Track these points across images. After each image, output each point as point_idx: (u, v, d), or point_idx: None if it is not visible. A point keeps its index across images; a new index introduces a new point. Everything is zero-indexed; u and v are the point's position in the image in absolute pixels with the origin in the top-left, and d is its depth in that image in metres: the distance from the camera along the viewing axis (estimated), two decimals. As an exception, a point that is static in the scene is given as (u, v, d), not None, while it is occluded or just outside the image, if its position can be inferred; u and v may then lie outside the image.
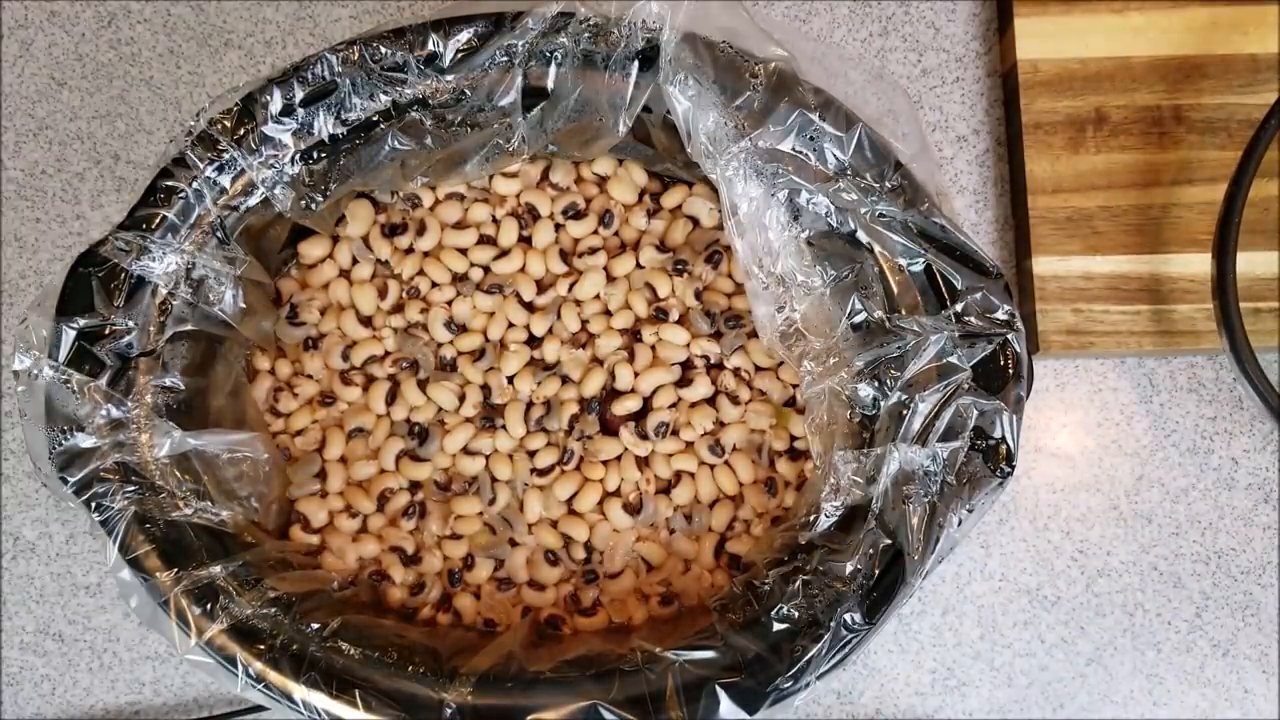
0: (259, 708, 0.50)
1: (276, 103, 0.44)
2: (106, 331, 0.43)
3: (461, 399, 0.50)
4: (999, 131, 0.56)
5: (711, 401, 0.50)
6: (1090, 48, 0.53)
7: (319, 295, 0.51)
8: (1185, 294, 0.52)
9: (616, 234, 0.52)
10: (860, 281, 0.45)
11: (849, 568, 0.42)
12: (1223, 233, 0.47)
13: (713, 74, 0.43)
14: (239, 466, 0.47)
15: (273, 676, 0.42)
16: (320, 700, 0.42)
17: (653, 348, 0.50)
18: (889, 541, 0.42)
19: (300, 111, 0.44)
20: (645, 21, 0.43)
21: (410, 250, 0.51)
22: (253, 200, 0.45)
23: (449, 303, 0.51)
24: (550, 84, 0.45)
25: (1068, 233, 0.52)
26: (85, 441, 0.43)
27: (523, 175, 0.51)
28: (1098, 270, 0.52)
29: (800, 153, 0.43)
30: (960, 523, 0.42)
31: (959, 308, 0.43)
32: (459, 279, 0.51)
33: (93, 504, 0.43)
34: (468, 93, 0.45)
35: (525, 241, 0.51)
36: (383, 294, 0.51)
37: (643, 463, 0.50)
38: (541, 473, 0.50)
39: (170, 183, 0.44)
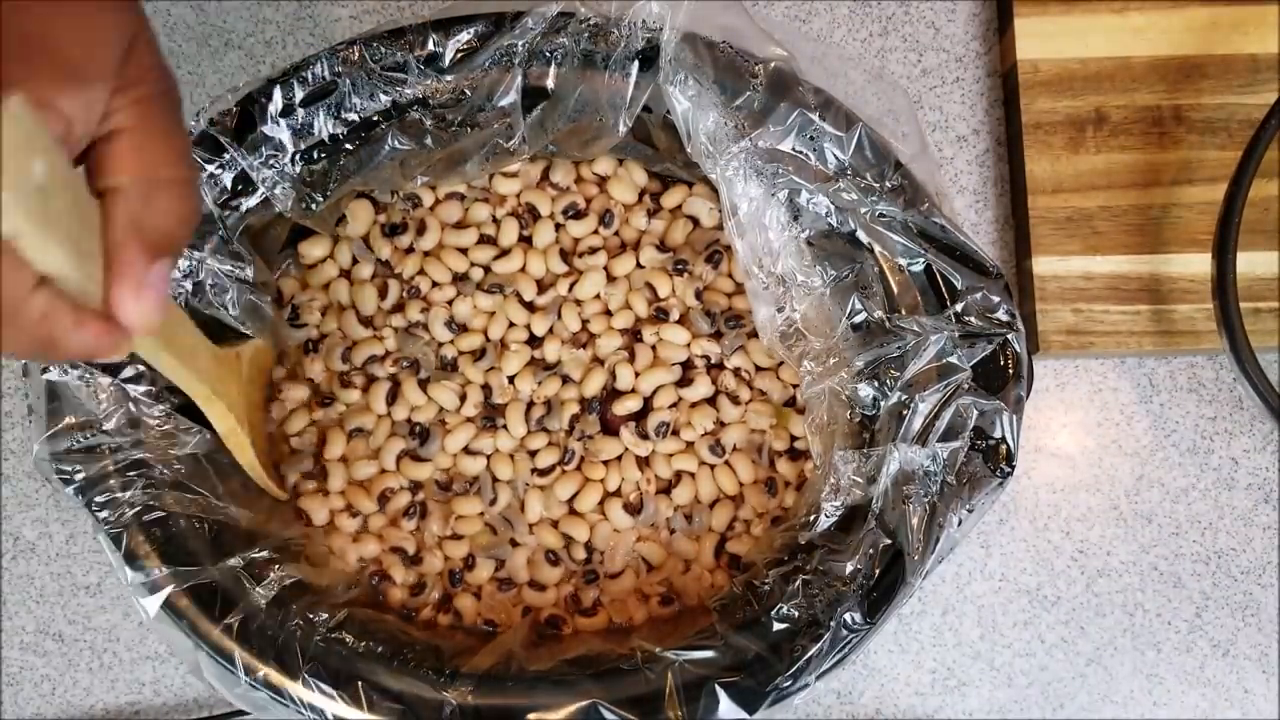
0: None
1: (276, 103, 0.44)
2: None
3: (462, 399, 0.50)
4: (999, 131, 0.56)
5: (712, 401, 0.50)
6: (1090, 48, 0.53)
7: (319, 295, 0.51)
8: (1185, 294, 0.52)
9: (617, 234, 0.52)
10: (860, 281, 0.45)
11: (849, 568, 0.42)
12: (1223, 233, 0.47)
13: (713, 74, 0.43)
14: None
15: (274, 676, 0.42)
16: (322, 700, 0.42)
17: (653, 348, 0.50)
18: (889, 541, 0.42)
19: (300, 111, 0.44)
20: (645, 21, 0.43)
21: (411, 250, 0.51)
22: (253, 200, 0.45)
23: (449, 302, 0.51)
24: (550, 84, 0.45)
25: (1068, 233, 0.52)
26: (99, 440, 0.43)
27: (523, 175, 0.51)
28: (1098, 270, 0.52)
29: (800, 153, 0.43)
30: (960, 523, 0.42)
31: (959, 308, 0.43)
32: (459, 279, 0.51)
33: (98, 506, 0.42)
34: (468, 93, 0.45)
35: (525, 241, 0.51)
36: (383, 294, 0.51)
37: (643, 463, 0.50)
38: (542, 473, 0.50)
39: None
